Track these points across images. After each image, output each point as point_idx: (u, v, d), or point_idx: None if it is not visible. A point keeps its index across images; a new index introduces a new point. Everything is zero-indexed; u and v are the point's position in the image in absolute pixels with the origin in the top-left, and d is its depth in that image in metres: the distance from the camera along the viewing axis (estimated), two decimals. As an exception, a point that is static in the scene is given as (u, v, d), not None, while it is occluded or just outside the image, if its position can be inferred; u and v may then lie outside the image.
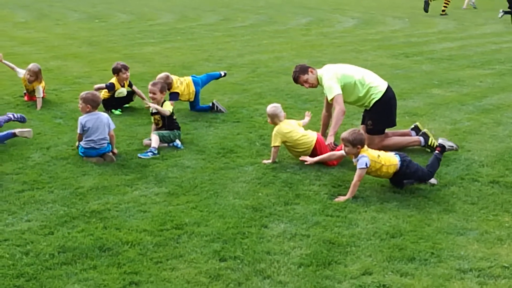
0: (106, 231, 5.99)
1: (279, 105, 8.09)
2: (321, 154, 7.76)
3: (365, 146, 7.01)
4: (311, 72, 8.57)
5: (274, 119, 7.94)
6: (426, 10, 25.50)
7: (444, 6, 25.63)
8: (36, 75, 10.36)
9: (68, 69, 13.54)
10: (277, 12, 25.33)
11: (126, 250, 5.63)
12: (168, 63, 14.16)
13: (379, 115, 8.41)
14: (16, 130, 8.42)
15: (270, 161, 7.86)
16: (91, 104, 8.04)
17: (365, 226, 6.20)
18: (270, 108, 8.00)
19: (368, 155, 6.89)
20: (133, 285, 5.11)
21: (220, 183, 7.27)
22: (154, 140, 8.28)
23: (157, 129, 8.65)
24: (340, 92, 8.31)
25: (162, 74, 10.01)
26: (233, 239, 5.87)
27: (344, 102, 8.62)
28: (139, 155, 8.09)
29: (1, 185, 7.10)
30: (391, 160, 6.98)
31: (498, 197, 6.97)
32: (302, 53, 15.94)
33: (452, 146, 7.14)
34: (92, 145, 7.89)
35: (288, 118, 8.22)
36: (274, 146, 7.85)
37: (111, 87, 10.12)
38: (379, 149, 7.81)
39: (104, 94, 10.17)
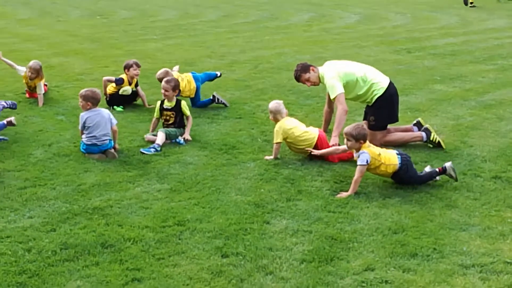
0: (108, 228, 6.00)
1: (281, 101, 8.08)
2: (323, 151, 7.78)
3: (367, 142, 7.01)
4: (313, 70, 8.55)
5: (277, 115, 7.93)
6: (466, 3, 26.03)
7: None
8: (37, 72, 10.36)
9: (70, 66, 13.54)
10: (279, 8, 25.30)
11: (128, 247, 5.64)
12: (170, 60, 14.15)
13: (381, 111, 8.40)
14: (11, 119, 8.50)
15: (272, 157, 7.86)
16: (91, 101, 8.04)
17: (367, 222, 6.19)
18: (273, 104, 7.99)
19: (369, 152, 6.89)
20: (135, 281, 5.11)
21: (222, 179, 7.27)
22: (160, 137, 8.28)
23: (167, 125, 8.65)
24: (343, 91, 8.31)
25: (162, 70, 10.01)
26: (235, 235, 5.87)
27: (346, 98, 8.62)
28: (141, 150, 8.10)
29: (3, 182, 7.11)
30: (391, 159, 6.96)
31: (501, 192, 6.96)
32: (304, 49, 15.92)
33: (452, 176, 7.12)
34: (94, 141, 7.90)
35: (290, 114, 8.22)
36: (276, 143, 7.85)
37: (119, 81, 10.12)
38: (381, 144, 7.81)
39: (110, 88, 10.18)
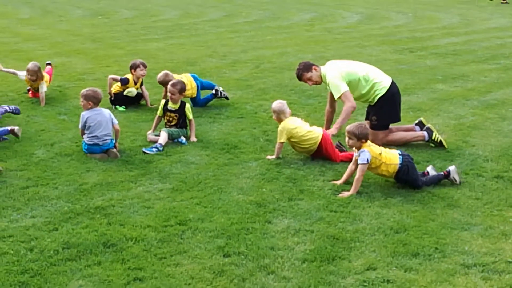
0: (110, 227, 6.00)
1: (284, 101, 8.07)
2: (326, 151, 7.78)
3: (369, 142, 7.01)
4: (315, 69, 8.56)
5: (280, 115, 7.93)
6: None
7: None
8: (36, 74, 10.35)
9: (72, 66, 13.55)
10: (280, 7, 25.30)
11: (130, 246, 5.64)
12: (172, 59, 14.16)
13: (384, 111, 8.41)
14: (14, 128, 8.38)
15: (274, 156, 7.86)
16: (93, 100, 8.05)
17: (369, 221, 6.19)
18: (276, 104, 7.98)
19: (370, 151, 6.89)
20: (137, 281, 5.12)
21: (224, 179, 7.27)
22: (163, 137, 8.29)
23: (169, 126, 8.66)
24: (347, 88, 8.33)
25: (162, 73, 10.01)
26: (237, 234, 5.87)
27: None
28: (143, 149, 8.10)
29: (6, 182, 7.12)
30: (392, 159, 6.95)
31: (503, 192, 6.96)
32: (305, 48, 15.92)
33: (455, 181, 7.11)
34: (96, 141, 7.90)
35: (292, 113, 8.20)
36: (279, 142, 7.85)
37: (125, 81, 10.13)
38: (383, 144, 7.81)
39: (115, 88, 10.20)
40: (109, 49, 15.69)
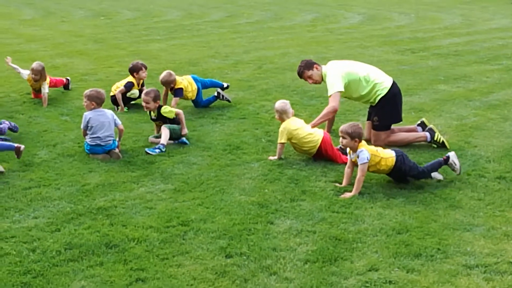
0: (113, 228, 6.01)
1: (287, 101, 8.08)
2: (327, 153, 7.79)
3: (363, 141, 7.02)
4: (316, 68, 8.57)
5: (283, 115, 7.93)
6: None
7: None
8: (40, 74, 10.37)
9: (74, 66, 13.56)
10: (282, 8, 25.29)
11: (132, 247, 5.65)
12: (174, 60, 14.17)
13: (385, 111, 8.41)
14: (21, 147, 7.72)
15: (276, 157, 7.86)
16: (96, 101, 8.06)
17: (371, 222, 6.19)
18: (279, 104, 7.98)
19: (368, 149, 6.92)
20: (139, 281, 5.12)
21: (226, 179, 7.27)
22: (164, 135, 8.26)
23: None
24: (341, 89, 8.31)
25: (165, 72, 10.03)
26: (239, 235, 5.88)
27: (350, 98, 8.63)
28: (146, 150, 8.11)
29: (8, 182, 7.13)
30: (387, 154, 7.04)
31: (505, 192, 6.95)
32: (307, 49, 15.91)
33: (455, 166, 7.13)
34: (98, 142, 7.92)
35: (294, 114, 8.21)
36: (280, 143, 7.85)
37: (130, 86, 10.14)
38: (386, 145, 7.82)
39: (115, 89, 10.23)
40: (111, 50, 15.70)
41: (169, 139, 8.40)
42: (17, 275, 5.17)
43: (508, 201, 6.72)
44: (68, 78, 11.51)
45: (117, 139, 8.12)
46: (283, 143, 7.85)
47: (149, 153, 8.04)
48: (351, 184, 6.98)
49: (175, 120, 8.58)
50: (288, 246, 5.70)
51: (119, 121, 8.16)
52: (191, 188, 7.02)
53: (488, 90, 11.60)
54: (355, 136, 6.92)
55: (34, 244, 5.69)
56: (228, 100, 10.37)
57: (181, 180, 7.23)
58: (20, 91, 11.21)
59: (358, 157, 6.90)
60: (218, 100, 10.38)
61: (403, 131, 8.65)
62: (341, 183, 7.09)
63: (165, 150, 8.14)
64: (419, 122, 8.79)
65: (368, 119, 8.67)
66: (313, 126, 8.07)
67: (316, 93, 10.91)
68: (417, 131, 8.63)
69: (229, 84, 10.88)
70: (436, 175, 7.20)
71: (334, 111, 8.40)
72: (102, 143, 7.93)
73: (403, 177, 7.12)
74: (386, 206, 6.56)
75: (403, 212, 6.41)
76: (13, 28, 19.97)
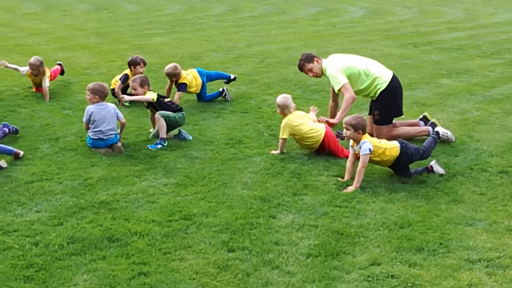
0: (115, 222, 6.02)
1: (289, 96, 8.06)
2: (329, 148, 7.79)
3: (366, 134, 7.02)
4: (317, 61, 8.57)
5: (284, 110, 7.92)
6: None
7: None
8: (37, 69, 10.33)
9: (76, 60, 13.55)
10: (285, 2, 25.24)
11: (134, 241, 5.66)
12: (176, 54, 14.15)
13: (385, 105, 8.39)
14: (20, 153, 7.69)
15: (278, 151, 7.86)
16: (99, 94, 8.07)
17: (374, 216, 6.19)
18: (281, 98, 7.97)
19: (370, 141, 6.92)
20: (141, 275, 5.13)
21: (228, 173, 7.27)
22: (161, 127, 8.16)
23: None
24: (347, 80, 8.31)
25: (171, 65, 10.02)
26: (241, 229, 5.88)
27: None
28: (148, 146, 8.11)
29: (10, 176, 7.13)
30: (391, 144, 7.06)
31: (507, 187, 6.95)
32: (310, 43, 15.88)
33: (447, 133, 7.26)
34: (100, 136, 7.92)
35: (296, 108, 8.20)
36: (282, 138, 7.84)
37: (125, 79, 10.13)
38: (388, 139, 7.81)
39: (114, 84, 10.21)
40: (113, 44, 15.69)
41: (168, 130, 8.30)
42: (20, 269, 5.19)
43: (510, 196, 6.72)
44: (60, 62, 11.47)
45: (119, 131, 8.12)
46: (284, 139, 7.84)
47: (151, 149, 8.03)
48: (353, 178, 6.98)
49: (169, 107, 8.41)
50: (290, 240, 5.71)
51: (121, 115, 8.16)
52: (193, 182, 7.03)
53: (490, 84, 11.58)
54: (358, 128, 6.92)
55: (36, 238, 5.70)
56: (228, 100, 10.27)
57: (183, 174, 7.23)
58: (22, 85, 11.21)
59: (360, 148, 6.91)
60: (220, 96, 10.36)
61: (405, 125, 8.64)
62: (343, 177, 7.09)
63: (167, 144, 8.14)
64: (421, 116, 8.78)
65: (369, 114, 8.66)
66: (339, 120, 8.13)
67: (318, 87, 10.90)
68: (419, 126, 8.62)
69: (236, 76, 10.88)
70: (438, 169, 7.20)
71: (353, 100, 8.38)
72: (105, 137, 7.93)
73: (407, 167, 7.12)
74: (388, 201, 6.56)
75: (405, 207, 6.41)
76: (15, 21, 19.96)
